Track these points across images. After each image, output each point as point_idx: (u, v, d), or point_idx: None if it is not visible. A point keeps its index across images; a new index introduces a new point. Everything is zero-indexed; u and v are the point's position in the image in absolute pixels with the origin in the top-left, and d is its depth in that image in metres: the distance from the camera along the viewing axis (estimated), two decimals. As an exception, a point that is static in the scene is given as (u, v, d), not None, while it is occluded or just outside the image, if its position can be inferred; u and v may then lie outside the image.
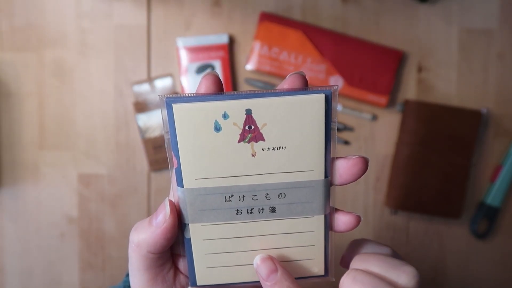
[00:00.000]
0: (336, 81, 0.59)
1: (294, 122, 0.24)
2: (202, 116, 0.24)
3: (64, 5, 0.60)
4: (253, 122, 0.24)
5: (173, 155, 0.25)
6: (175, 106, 0.24)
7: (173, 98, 0.24)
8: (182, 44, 0.59)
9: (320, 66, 0.58)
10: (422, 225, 0.61)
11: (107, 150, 0.61)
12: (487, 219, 0.60)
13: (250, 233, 0.26)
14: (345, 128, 0.60)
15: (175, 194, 0.26)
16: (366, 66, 0.58)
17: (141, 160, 0.61)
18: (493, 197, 0.59)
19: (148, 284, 0.27)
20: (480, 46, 0.60)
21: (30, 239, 0.62)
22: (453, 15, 0.60)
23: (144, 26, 0.60)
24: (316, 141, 0.25)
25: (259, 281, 0.26)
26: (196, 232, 0.26)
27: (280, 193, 0.25)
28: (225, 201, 0.25)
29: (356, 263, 0.26)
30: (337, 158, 0.25)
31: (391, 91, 0.59)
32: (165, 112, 0.24)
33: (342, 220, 0.26)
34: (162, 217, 0.25)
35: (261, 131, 0.24)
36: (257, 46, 0.58)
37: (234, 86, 0.60)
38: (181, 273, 0.28)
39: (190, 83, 0.59)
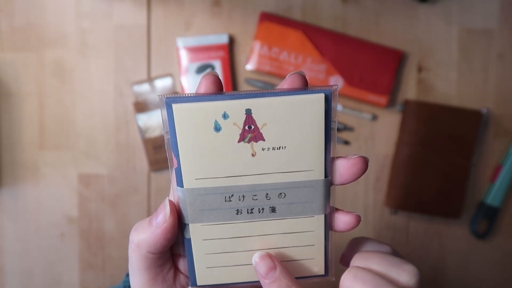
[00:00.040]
0: (336, 81, 0.59)
1: (294, 122, 0.24)
2: (202, 116, 0.24)
3: (64, 5, 0.60)
4: (253, 122, 0.24)
5: (173, 155, 0.25)
6: (175, 106, 0.24)
7: (173, 98, 0.24)
8: (182, 44, 0.59)
9: (320, 66, 0.58)
10: (422, 225, 0.61)
11: (107, 150, 0.61)
12: (487, 219, 0.60)
13: (250, 233, 0.26)
14: (345, 128, 0.60)
15: (175, 194, 0.26)
16: (366, 66, 0.58)
17: (141, 160, 0.61)
18: (493, 197, 0.59)
19: (148, 284, 0.27)
20: (480, 46, 0.60)
21: (30, 239, 0.62)
22: (453, 15, 0.60)
23: (144, 26, 0.60)
24: (316, 141, 0.25)
25: (259, 281, 0.26)
26: (196, 232, 0.26)
27: (280, 193, 0.25)
28: (225, 201, 0.25)
29: (357, 261, 0.26)
30: (337, 158, 0.25)
31: (391, 91, 0.59)
32: (165, 112, 0.24)
33: (342, 220, 0.26)
34: (162, 217, 0.25)
35: (261, 131, 0.24)
36: (257, 46, 0.58)
37: (234, 86, 0.60)
38: (181, 273, 0.28)
39: (190, 83, 0.59)
